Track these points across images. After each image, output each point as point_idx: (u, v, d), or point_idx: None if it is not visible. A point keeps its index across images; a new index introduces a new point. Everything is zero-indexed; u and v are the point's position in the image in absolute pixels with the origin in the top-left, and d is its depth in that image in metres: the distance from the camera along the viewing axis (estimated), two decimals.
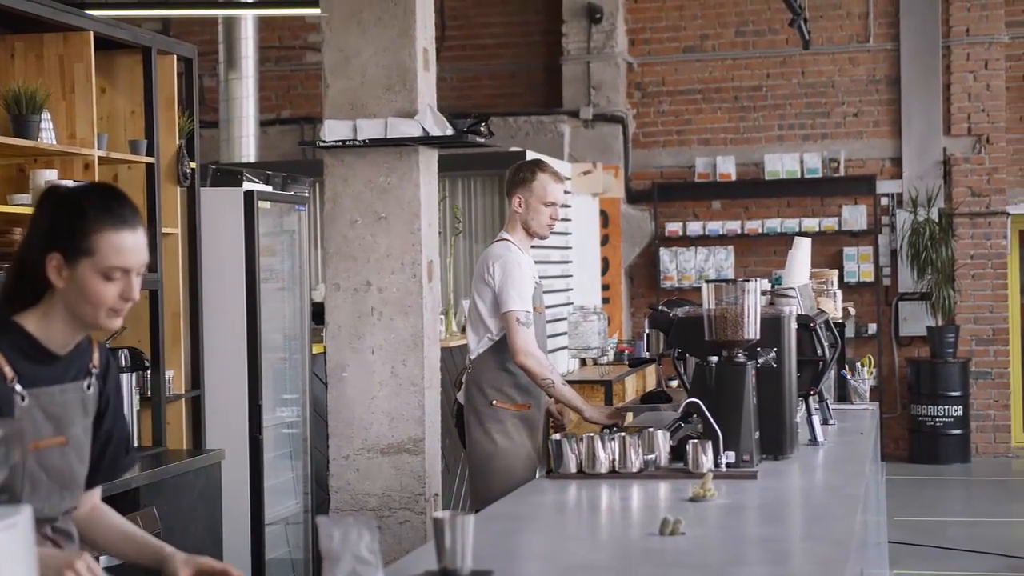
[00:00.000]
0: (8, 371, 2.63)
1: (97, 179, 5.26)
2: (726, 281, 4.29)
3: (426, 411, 5.26)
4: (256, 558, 6.23)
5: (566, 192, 8.81)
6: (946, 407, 11.63)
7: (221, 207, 6.19)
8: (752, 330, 4.19)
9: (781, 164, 12.18)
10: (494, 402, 5.17)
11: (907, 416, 11.95)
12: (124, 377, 5.37)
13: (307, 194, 7.22)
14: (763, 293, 4.60)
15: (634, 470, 4.02)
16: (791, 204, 12.27)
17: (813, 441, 4.76)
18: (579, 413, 5.19)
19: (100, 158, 5.35)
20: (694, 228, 12.28)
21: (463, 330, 8.17)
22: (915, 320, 12.01)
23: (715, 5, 12.49)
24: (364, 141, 5.21)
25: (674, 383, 7.03)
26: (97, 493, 2.93)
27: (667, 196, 12.43)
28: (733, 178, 12.31)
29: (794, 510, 3.85)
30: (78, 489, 2.79)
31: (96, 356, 2.83)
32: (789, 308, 4.62)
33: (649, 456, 4.05)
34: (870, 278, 12.02)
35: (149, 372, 5.60)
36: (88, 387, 2.78)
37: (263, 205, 6.35)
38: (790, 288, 5.21)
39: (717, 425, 4.06)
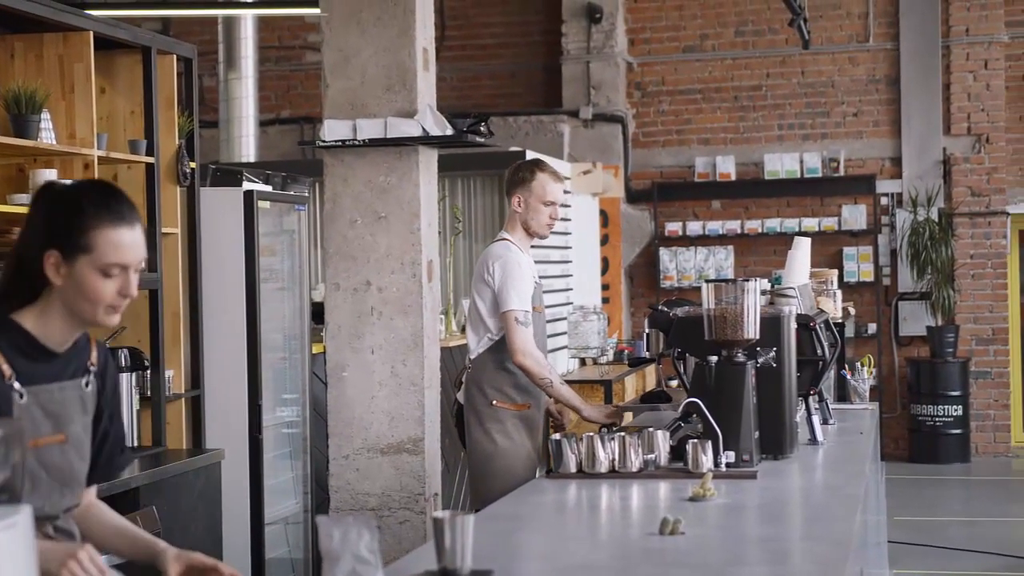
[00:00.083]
0: (6, 369, 2.63)
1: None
2: (726, 281, 4.29)
3: (426, 411, 5.26)
4: (256, 558, 6.23)
5: (566, 192, 8.81)
6: (946, 407, 11.63)
7: (221, 207, 6.19)
8: (752, 330, 4.20)
9: (781, 164, 12.18)
10: (494, 402, 5.17)
11: (907, 416, 11.95)
12: (124, 377, 5.37)
13: (307, 194, 7.22)
14: (763, 293, 4.60)
15: (634, 470, 4.02)
16: (791, 204, 12.27)
17: (813, 441, 4.76)
18: (577, 412, 5.19)
19: (100, 158, 5.35)
20: (694, 228, 12.28)
21: (463, 330, 8.17)
22: (915, 320, 12.01)
23: (715, 5, 12.49)
24: (364, 141, 5.21)
25: (674, 383, 7.03)
26: (92, 491, 2.94)
27: (667, 196, 12.43)
28: (733, 178, 12.31)
29: (794, 510, 3.86)
30: (79, 487, 2.79)
31: (94, 354, 2.83)
32: (789, 308, 4.62)
33: (649, 456, 4.05)
34: (870, 278, 12.02)
35: (149, 372, 5.60)
36: (86, 385, 2.79)
37: (263, 205, 6.35)
38: (790, 288, 5.21)
39: (717, 425, 4.06)
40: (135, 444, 5.45)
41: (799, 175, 12.16)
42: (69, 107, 5.33)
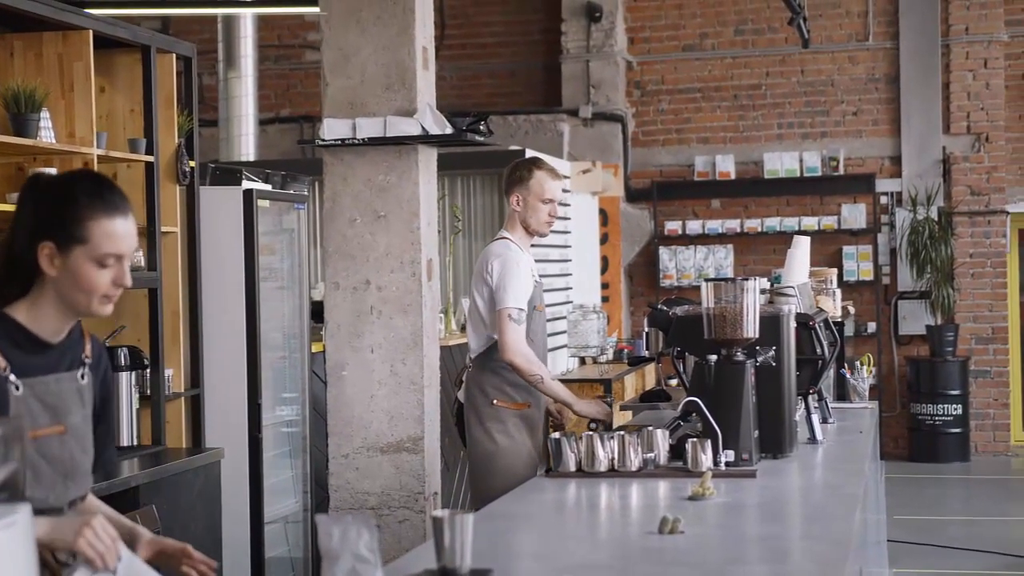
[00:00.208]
0: (1, 361, 2.63)
1: None
2: (725, 280, 4.29)
3: (425, 410, 5.27)
4: (256, 557, 6.23)
5: (565, 190, 8.81)
6: (945, 406, 11.64)
7: (220, 206, 6.19)
8: (751, 329, 4.20)
9: (780, 163, 12.18)
10: (495, 401, 5.16)
11: (906, 415, 11.95)
12: (123, 376, 5.37)
13: (306, 193, 7.22)
14: (762, 292, 4.60)
15: (633, 469, 4.02)
16: (790, 203, 12.27)
17: (812, 440, 4.76)
18: (569, 407, 5.19)
19: (99, 157, 5.35)
20: (693, 227, 12.28)
21: (462, 329, 8.17)
22: (914, 319, 12.01)
23: (714, 4, 12.49)
24: (363, 140, 5.21)
25: (673, 382, 7.04)
26: None
27: (666, 195, 12.43)
28: (732, 177, 12.31)
29: (793, 509, 3.86)
30: (83, 479, 2.80)
31: (89, 347, 2.84)
32: (788, 307, 4.62)
33: (648, 455, 4.05)
34: (869, 277, 12.02)
35: (148, 371, 5.60)
36: (82, 377, 2.79)
37: (262, 204, 6.35)
38: (789, 287, 5.21)
39: (716, 424, 4.06)
40: (135, 443, 5.44)
41: (799, 174, 12.16)
42: (68, 106, 5.33)
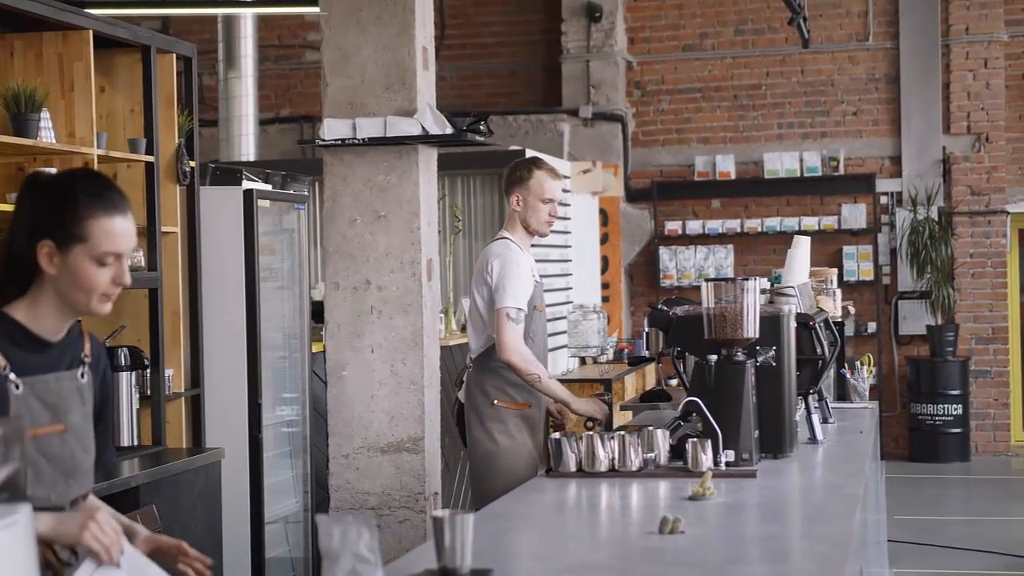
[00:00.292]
0: (0, 360, 2.63)
1: None
2: (725, 280, 4.29)
3: (426, 410, 5.26)
4: (256, 557, 6.23)
5: (565, 190, 8.81)
6: (946, 406, 11.64)
7: (220, 206, 6.19)
8: (751, 329, 4.19)
9: (780, 163, 12.18)
10: (496, 401, 5.16)
11: (907, 415, 11.95)
12: (124, 376, 5.37)
13: (306, 193, 7.22)
14: (762, 292, 4.60)
15: (633, 469, 4.02)
16: (790, 203, 12.27)
17: (812, 440, 4.76)
18: (567, 406, 5.20)
19: (99, 157, 5.35)
20: (693, 227, 12.28)
21: (463, 329, 8.17)
22: (914, 319, 12.01)
23: (714, 4, 12.49)
24: (363, 140, 5.21)
25: (674, 382, 7.04)
26: None
27: (667, 195, 12.43)
28: (732, 177, 12.31)
29: (793, 509, 3.85)
30: (85, 477, 2.80)
31: (88, 346, 2.84)
32: (788, 307, 4.62)
33: (648, 455, 4.05)
34: (869, 277, 12.02)
35: (149, 371, 5.60)
36: (82, 376, 2.79)
37: (262, 204, 6.35)
38: (789, 287, 5.21)
39: (716, 424, 4.06)
40: (135, 443, 5.44)
41: (799, 174, 12.16)
42: (69, 106, 5.33)
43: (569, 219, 10.06)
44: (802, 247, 5.74)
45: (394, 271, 5.26)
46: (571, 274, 10.27)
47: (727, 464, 4.06)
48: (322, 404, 5.77)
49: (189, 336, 5.96)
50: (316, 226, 9.06)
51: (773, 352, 4.36)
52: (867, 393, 6.28)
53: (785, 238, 10.89)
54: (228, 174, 6.50)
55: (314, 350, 6.74)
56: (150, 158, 5.64)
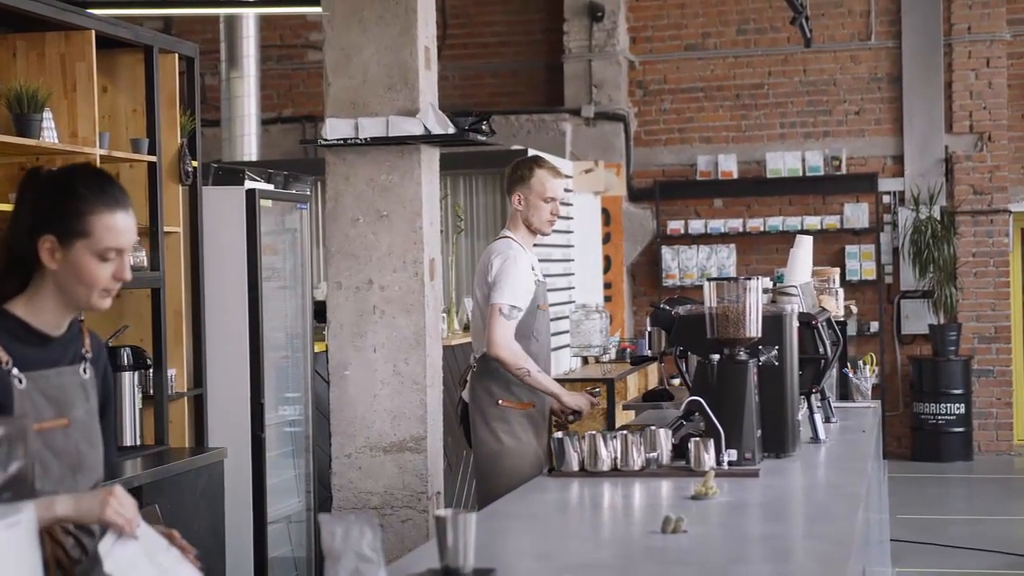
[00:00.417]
0: (3, 355, 2.64)
1: None
2: (728, 279, 4.29)
3: (428, 409, 5.27)
4: (259, 556, 6.23)
5: (567, 190, 8.81)
6: (948, 405, 11.63)
7: (223, 206, 6.19)
8: (754, 328, 4.19)
9: (783, 162, 12.18)
10: (500, 401, 5.16)
11: (909, 414, 11.95)
12: (126, 376, 5.37)
13: (309, 192, 7.23)
14: (765, 291, 4.60)
15: (636, 468, 4.02)
16: (793, 202, 12.27)
17: (815, 439, 4.76)
18: (557, 399, 5.19)
19: (102, 157, 5.35)
20: (696, 226, 12.27)
21: (465, 328, 8.17)
22: (917, 318, 12.01)
23: (716, 3, 12.49)
24: (366, 139, 5.21)
25: (676, 381, 7.04)
26: None
27: (669, 194, 12.43)
28: (735, 176, 12.31)
29: (796, 508, 3.85)
30: (92, 473, 2.80)
31: (87, 342, 2.84)
32: (791, 306, 4.62)
33: (651, 454, 4.05)
34: (872, 276, 12.02)
35: (151, 371, 5.60)
36: (84, 371, 2.80)
37: (265, 204, 6.35)
38: (792, 286, 5.21)
39: (719, 423, 4.06)
40: (138, 443, 5.45)
41: (801, 173, 12.15)
42: (71, 106, 5.33)
43: (571, 219, 10.06)
44: (804, 246, 5.73)
45: (396, 271, 5.26)
46: (573, 274, 10.28)
47: (730, 463, 4.06)
48: (325, 404, 5.78)
49: (192, 336, 5.97)
50: (318, 226, 9.06)
51: (775, 351, 4.36)
52: (869, 392, 6.27)
53: (787, 237, 10.88)
54: (230, 174, 6.51)
55: (316, 350, 6.74)
56: (152, 158, 5.65)
